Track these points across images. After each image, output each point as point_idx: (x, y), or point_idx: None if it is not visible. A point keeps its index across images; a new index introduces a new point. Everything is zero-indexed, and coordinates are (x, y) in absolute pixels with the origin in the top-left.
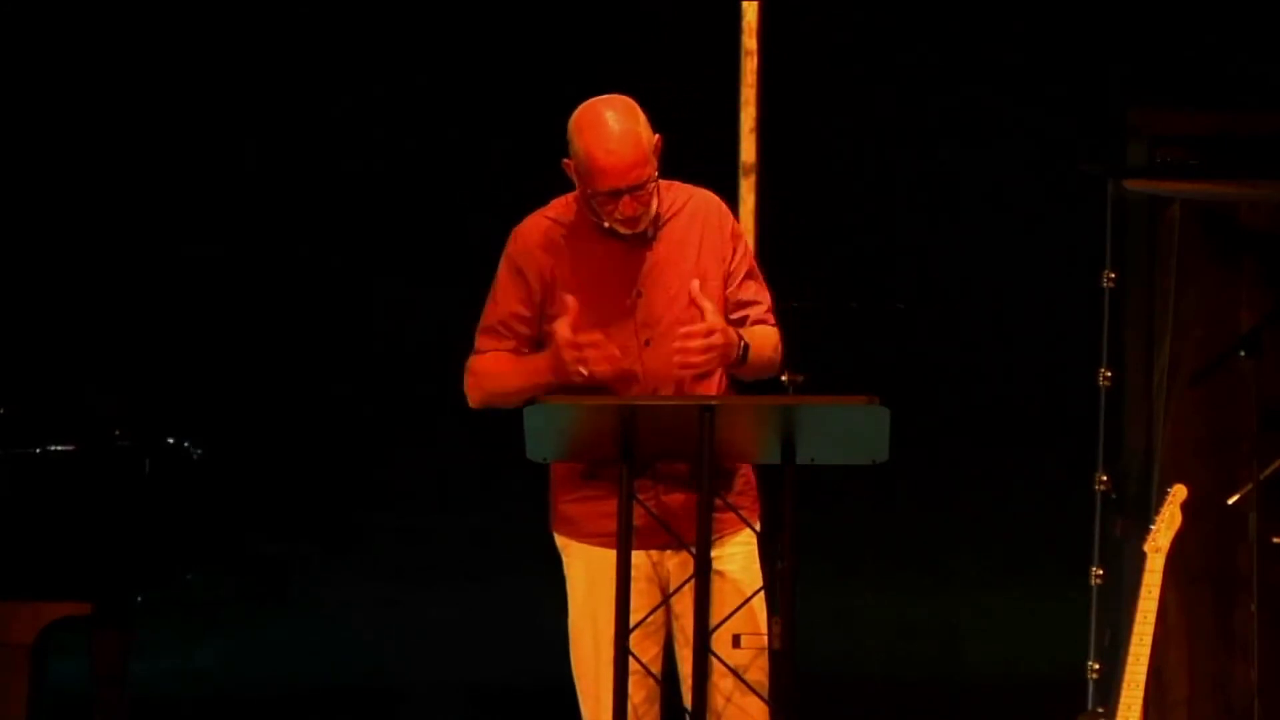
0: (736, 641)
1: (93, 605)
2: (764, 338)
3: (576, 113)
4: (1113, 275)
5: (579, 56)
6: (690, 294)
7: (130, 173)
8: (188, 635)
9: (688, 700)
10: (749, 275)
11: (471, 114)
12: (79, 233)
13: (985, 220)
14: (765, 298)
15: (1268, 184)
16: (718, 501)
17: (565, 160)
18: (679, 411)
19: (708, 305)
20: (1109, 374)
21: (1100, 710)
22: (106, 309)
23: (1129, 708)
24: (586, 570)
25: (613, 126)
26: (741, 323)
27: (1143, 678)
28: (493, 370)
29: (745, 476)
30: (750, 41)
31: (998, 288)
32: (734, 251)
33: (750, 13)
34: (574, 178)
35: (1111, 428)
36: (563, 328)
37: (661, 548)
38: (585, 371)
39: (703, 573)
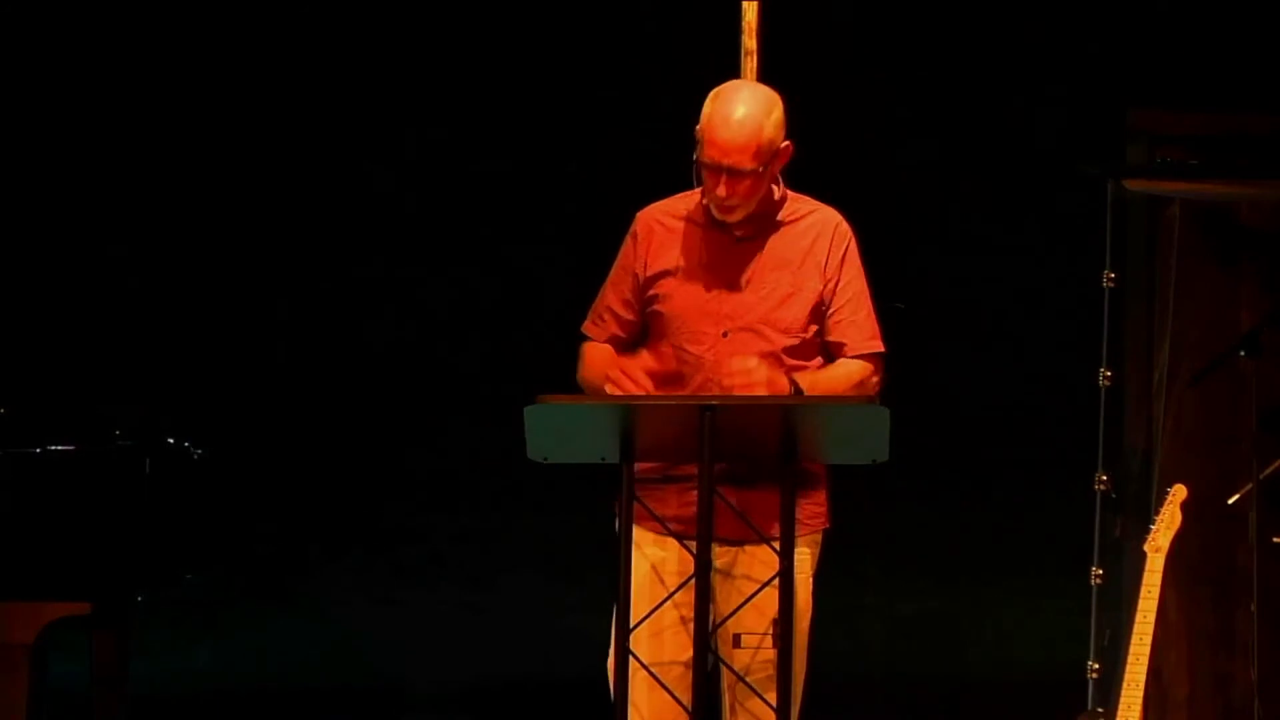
0: (737, 641)
1: (92, 605)
2: (836, 378)
3: (725, 83)
4: (1113, 275)
5: (579, 56)
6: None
7: (130, 173)
8: (188, 635)
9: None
10: (849, 305)
11: (471, 114)
12: (79, 233)
13: (985, 220)
14: (858, 336)
15: (1268, 184)
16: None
17: (696, 127)
18: (679, 411)
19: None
20: (1109, 374)
21: (1100, 710)
22: (106, 309)
23: (1129, 708)
24: (644, 560)
25: (741, 107)
26: (826, 351)
27: (1143, 678)
28: (587, 361)
29: (817, 476)
30: (750, 41)
31: (998, 287)
32: (839, 276)
33: (750, 13)
34: (696, 145)
35: (1111, 428)
36: (639, 378)
37: (729, 542)
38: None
39: (703, 573)
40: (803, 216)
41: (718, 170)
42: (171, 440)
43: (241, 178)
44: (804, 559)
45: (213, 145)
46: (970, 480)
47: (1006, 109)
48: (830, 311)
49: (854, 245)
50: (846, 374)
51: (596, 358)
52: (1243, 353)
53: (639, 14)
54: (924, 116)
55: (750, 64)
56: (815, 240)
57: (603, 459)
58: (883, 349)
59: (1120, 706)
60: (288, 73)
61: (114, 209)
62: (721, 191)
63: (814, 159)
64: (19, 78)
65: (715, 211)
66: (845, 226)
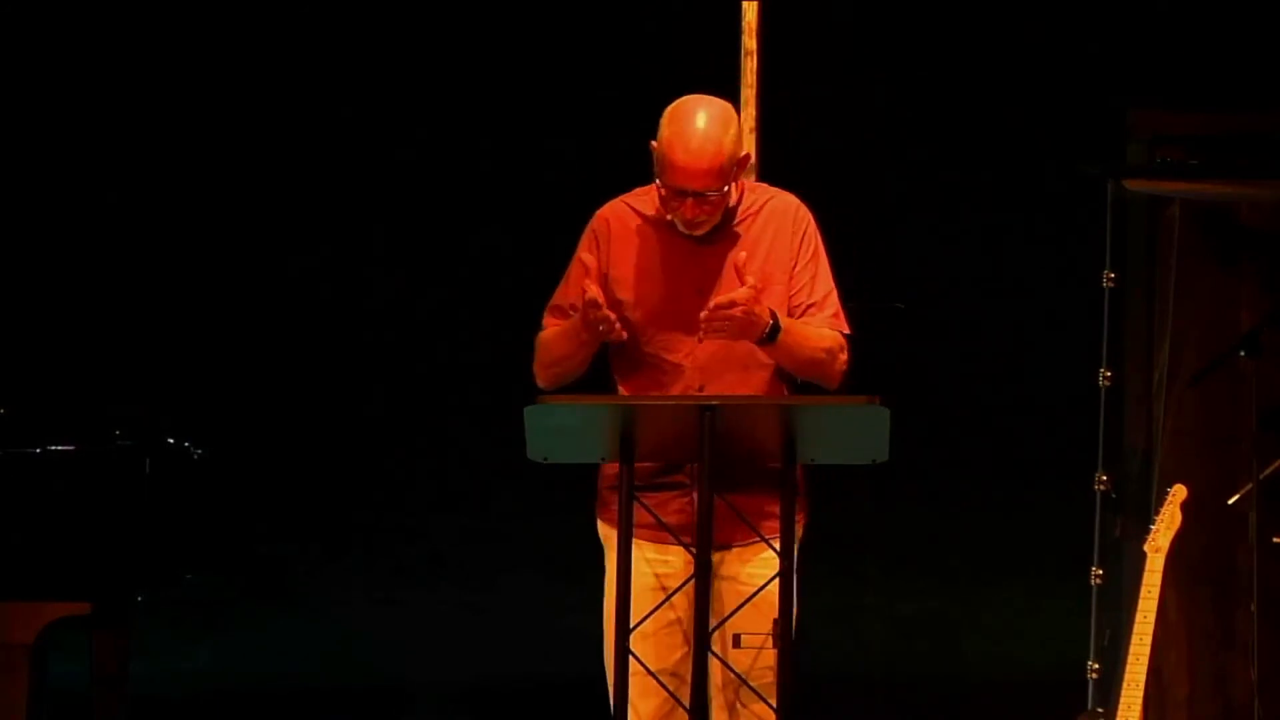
0: (736, 641)
1: (92, 605)
2: (812, 334)
3: (676, 102)
4: (1113, 275)
5: (579, 56)
6: (735, 264)
7: (130, 173)
8: (188, 635)
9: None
10: (814, 279)
11: (471, 114)
12: (78, 233)
13: (985, 220)
14: (829, 305)
15: (1268, 184)
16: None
17: (652, 142)
18: (679, 411)
19: (749, 280)
20: (1109, 374)
21: (1100, 710)
22: (106, 309)
23: (1129, 708)
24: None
25: (699, 128)
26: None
27: (1143, 678)
28: (543, 341)
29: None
30: (750, 41)
31: (998, 287)
32: (797, 260)
33: (750, 13)
34: (654, 162)
35: (1111, 428)
36: (591, 287)
37: (717, 546)
38: (604, 329)
39: (703, 574)
40: (760, 207)
41: (683, 195)
42: (171, 440)
43: (242, 179)
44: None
45: (212, 146)
46: (970, 480)
47: (1006, 109)
48: (792, 294)
49: (813, 227)
50: (819, 335)
51: (549, 334)
52: (1243, 353)
53: (639, 14)
54: (924, 116)
55: (750, 64)
56: (777, 230)
57: (602, 459)
58: (848, 330)
59: (1120, 706)
60: (289, 73)
61: (114, 209)
62: (690, 213)
63: (814, 159)
64: (18, 77)
65: (681, 227)
66: (804, 210)
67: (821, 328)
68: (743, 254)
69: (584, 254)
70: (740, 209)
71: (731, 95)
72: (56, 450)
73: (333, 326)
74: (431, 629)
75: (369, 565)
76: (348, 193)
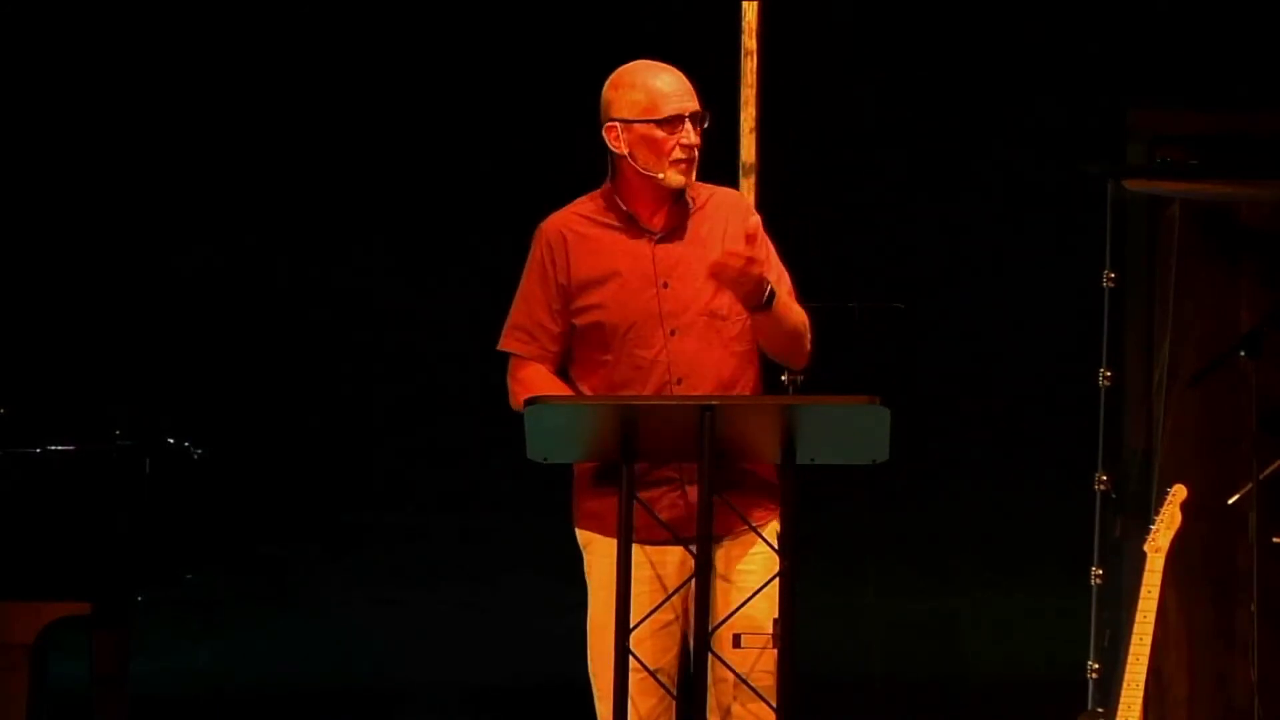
0: (736, 641)
1: (92, 605)
2: (795, 307)
3: (617, 71)
4: (1113, 275)
5: (579, 56)
6: (746, 231)
7: (129, 173)
8: (188, 635)
9: (711, 701)
10: (768, 261)
11: (469, 115)
12: (79, 233)
13: (985, 220)
14: (787, 284)
15: (1268, 184)
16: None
17: (608, 124)
18: (679, 411)
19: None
20: (1109, 374)
21: (1100, 710)
22: (106, 309)
23: (1129, 708)
24: (610, 567)
25: (662, 65)
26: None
27: (1143, 678)
28: (528, 385)
29: (764, 472)
30: (750, 41)
31: (998, 287)
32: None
33: (750, 13)
34: (618, 140)
35: (1111, 428)
36: None
37: (692, 543)
38: None
39: (703, 573)
40: (705, 202)
41: (681, 119)
42: (171, 440)
43: (242, 179)
44: (767, 554)
45: (210, 147)
46: (970, 480)
47: (1006, 109)
48: None
49: (755, 213)
50: (799, 310)
51: (539, 383)
52: (1243, 353)
53: (639, 14)
54: (924, 117)
55: (750, 64)
56: (727, 220)
57: (603, 459)
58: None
59: (1120, 706)
60: (291, 73)
61: (113, 209)
62: (692, 138)
63: (814, 159)
64: (17, 77)
65: (678, 176)
66: (745, 199)
67: (794, 303)
68: (754, 219)
69: (539, 268)
70: (689, 200)
71: (731, 95)
72: (56, 450)
73: (333, 326)
74: (431, 629)
75: (369, 565)
76: (347, 193)
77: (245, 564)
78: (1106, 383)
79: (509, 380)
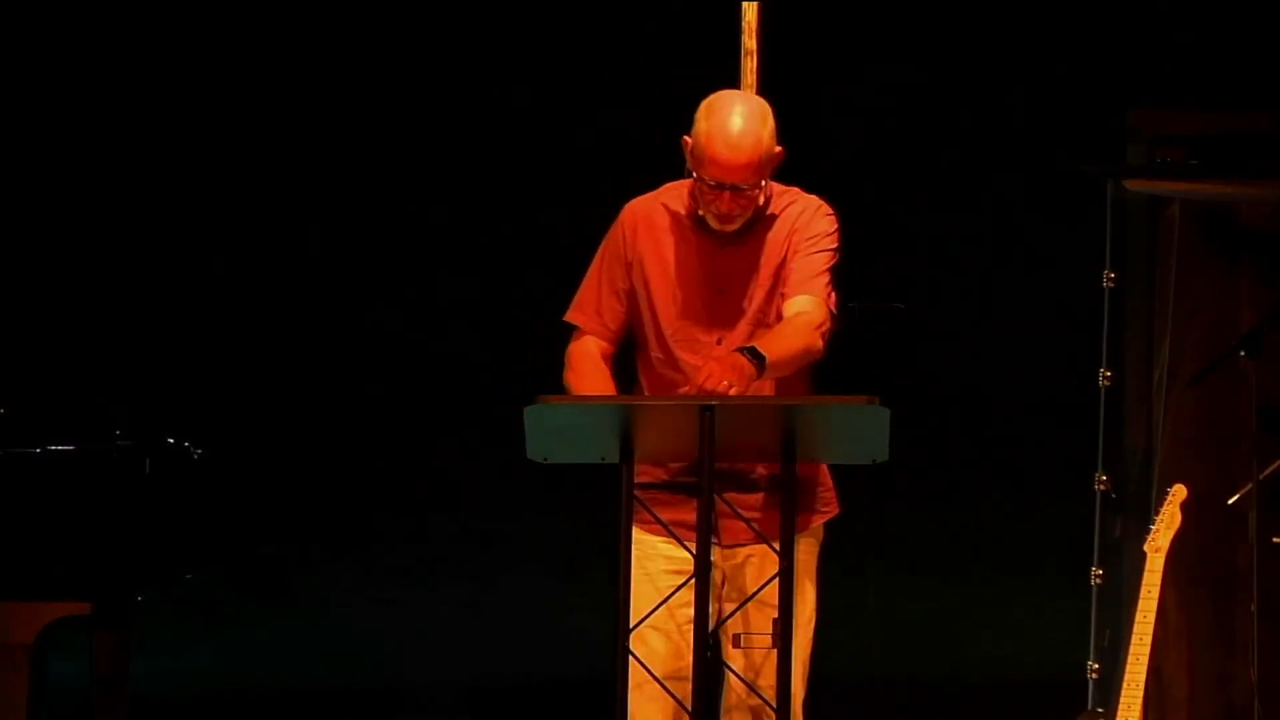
0: (737, 641)
1: (92, 605)
2: (788, 337)
3: (712, 96)
4: (1113, 275)
5: (579, 57)
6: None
7: (131, 173)
8: (188, 635)
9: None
10: (798, 255)
11: (469, 115)
12: (80, 233)
13: (985, 220)
14: (797, 280)
15: (1268, 184)
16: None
17: (685, 136)
18: (679, 411)
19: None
20: (1109, 374)
21: (1100, 710)
22: (107, 309)
23: (1129, 708)
24: (640, 561)
25: (738, 122)
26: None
27: (1143, 678)
28: (577, 369)
29: (818, 472)
30: (750, 41)
31: (998, 287)
32: (790, 240)
33: (750, 13)
34: (688, 156)
35: (1111, 428)
36: None
37: (730, 545)
38: None
39: (703, 573)
40: (783, 210)
41: (721, 188)
42: (171, 440)
43: (245, 179)
44: (806, 557)
45: (210, 147)
46: (970, 480)
47: (1007, 109)
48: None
49: (820, 216)
50: (794, 334)
51: (585, 374)
52: (1243, 353)
53: (639, 14)
54: (924, 117)
55: (750, 64)
56: (791, 233)
57: (602, 459)
58: (825, 291)
59: (1120, 706)
60: (294, 73)
61: (115, 209)
62: (725, 207)
63: (814, 158)
64: (22, 80)
65: (714, 223)
66: (822, 207)
67: (792, 319)
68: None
69: (613, 245)
70: (768, 211)
71: None
72: (56, 450)
73: (333, 327)
74: (431, 629)
75: (369, 565)
76: (348, 194)
77: (245, 564)
78: (1106, 383)
79: (566, 351)
